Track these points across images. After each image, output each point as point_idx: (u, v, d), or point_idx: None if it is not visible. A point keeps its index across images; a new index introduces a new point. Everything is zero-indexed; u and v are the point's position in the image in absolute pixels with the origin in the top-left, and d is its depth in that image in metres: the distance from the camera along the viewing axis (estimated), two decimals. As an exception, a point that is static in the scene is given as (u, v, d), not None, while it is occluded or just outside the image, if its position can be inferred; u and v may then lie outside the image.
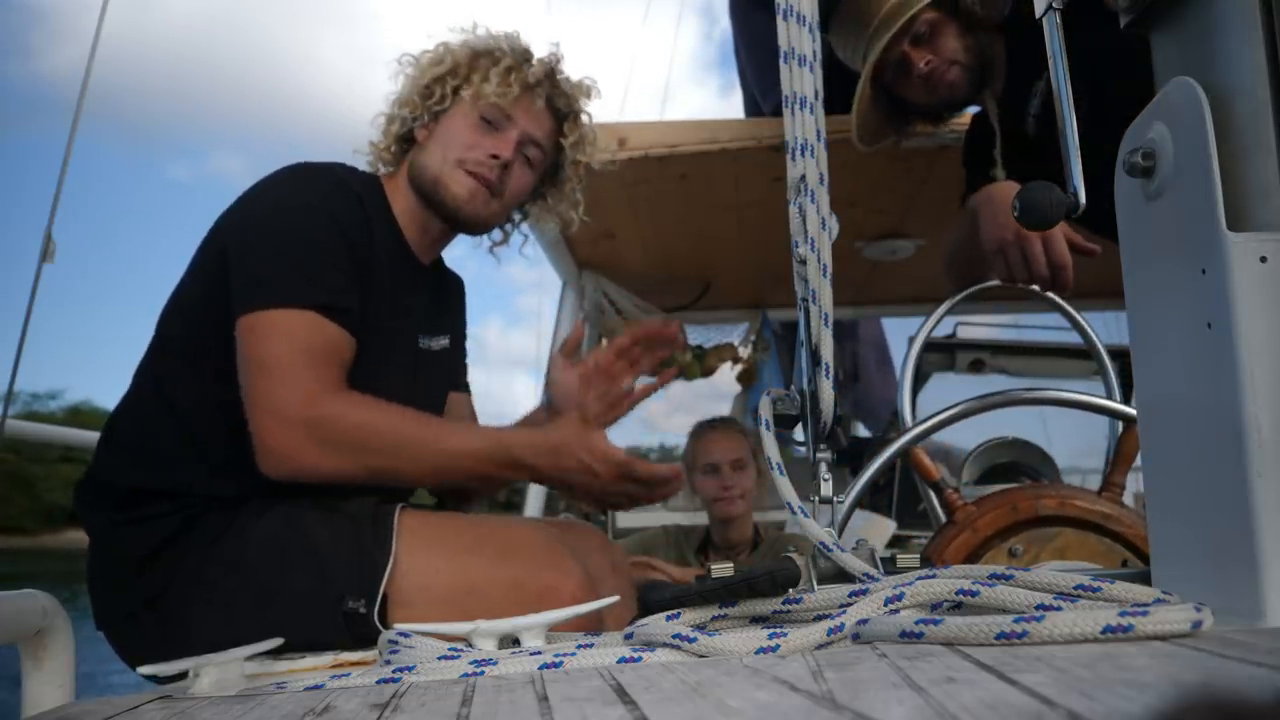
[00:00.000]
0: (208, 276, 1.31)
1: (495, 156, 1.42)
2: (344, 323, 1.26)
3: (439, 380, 1.57)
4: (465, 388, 1.67)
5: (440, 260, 1.58)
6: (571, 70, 1.52)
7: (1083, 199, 0.80)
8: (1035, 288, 1.49)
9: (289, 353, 1.21)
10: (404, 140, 1.50)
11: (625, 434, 4.04)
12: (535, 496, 3.08)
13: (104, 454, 1.33)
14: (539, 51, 1.51)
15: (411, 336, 1.47)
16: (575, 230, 1.65)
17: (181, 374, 1.30)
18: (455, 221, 1.47)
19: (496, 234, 1.64)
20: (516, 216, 1.63)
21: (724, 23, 3.31)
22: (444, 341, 1.55)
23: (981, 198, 1.57)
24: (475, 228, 1.51)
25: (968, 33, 1.64)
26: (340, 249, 1.30)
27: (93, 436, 2.25)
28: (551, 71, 1.49)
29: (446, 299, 1.60)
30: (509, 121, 1.44)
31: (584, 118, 1.54)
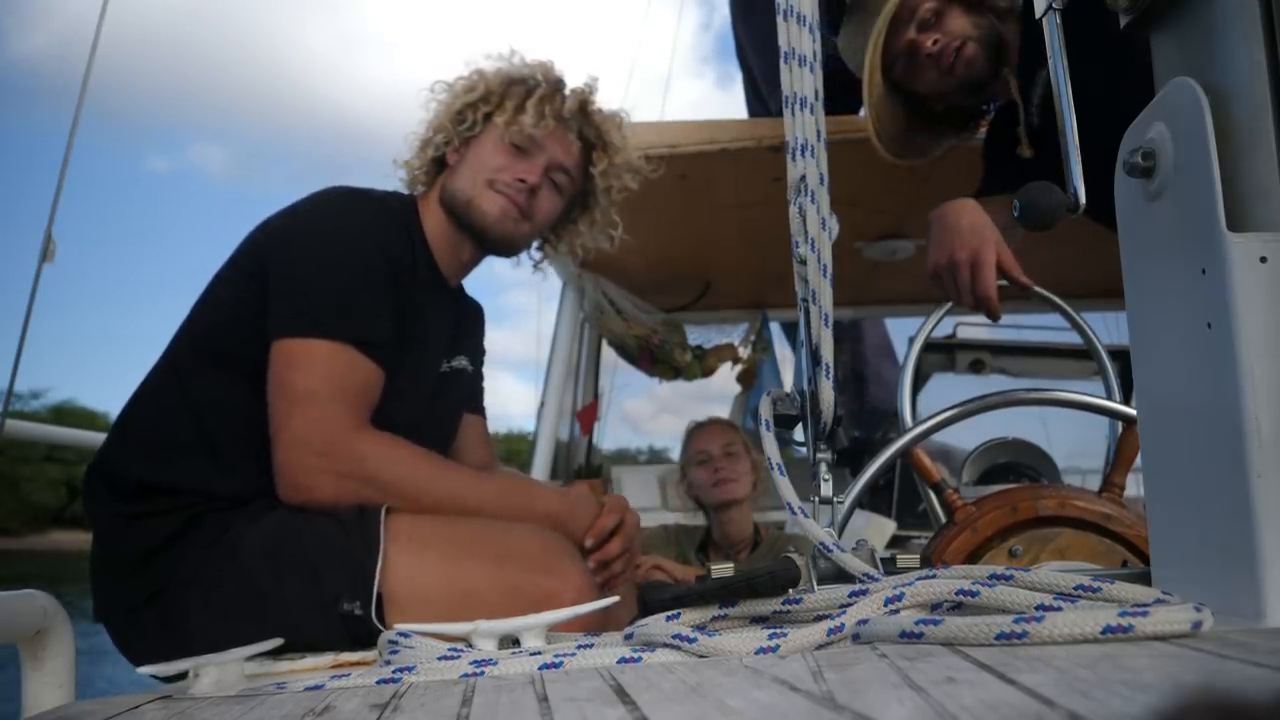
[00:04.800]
0: (244, 285, 1.34)
1: (523, 180, 1.46)
2: (377, 358, 1.29)
3: (456, 401, 1.59)
4: (480, 410, 1.69)
5: (461, 286, 1.60)
6: (572, 63, 1.54)
7: (1083, 199, 0.80)
8: (1037, 289, 1.48)
9: (323, 387, 1.24)
10: (436, 163, 1.54)
11: (613, 437, 4.05)
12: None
13: (115, 443, 1.34)
14: (573, 80, 1.54)
15: (435, 357, 1.49)
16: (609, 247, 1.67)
17: (205, 374, 1.32)
18: (486, 241, 1.50)
19: (535, 254, 1.69)
20: (552, 238, 1.66)
21: (721, 13, 3.33)
22: (463, 362, 1.58)
23: (933, 216, 1.55)
24: (506, 248, 1.55)
25: (974, 12, 1.61)
26: (384, 278, 1.33)
27: (90, 436, 2.26)
28: (584, 103, 1.52)
29: (467, 323, 1.62)
30: (537, 148, 1.48)
31: (616, 146, 1.56)
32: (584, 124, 1.53)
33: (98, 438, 2.11)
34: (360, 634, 1.15)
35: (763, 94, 3.08)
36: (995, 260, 1.44)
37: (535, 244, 1.66)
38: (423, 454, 1.30)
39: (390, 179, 1.57)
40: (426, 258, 1.47)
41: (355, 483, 1.23)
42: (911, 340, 1.53)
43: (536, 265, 1.72)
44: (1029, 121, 1.63)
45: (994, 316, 1.46)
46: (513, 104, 1.47)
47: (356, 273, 1.31)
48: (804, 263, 0.95)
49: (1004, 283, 1.48)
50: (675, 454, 2.93)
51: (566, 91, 1.52)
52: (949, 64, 1.60)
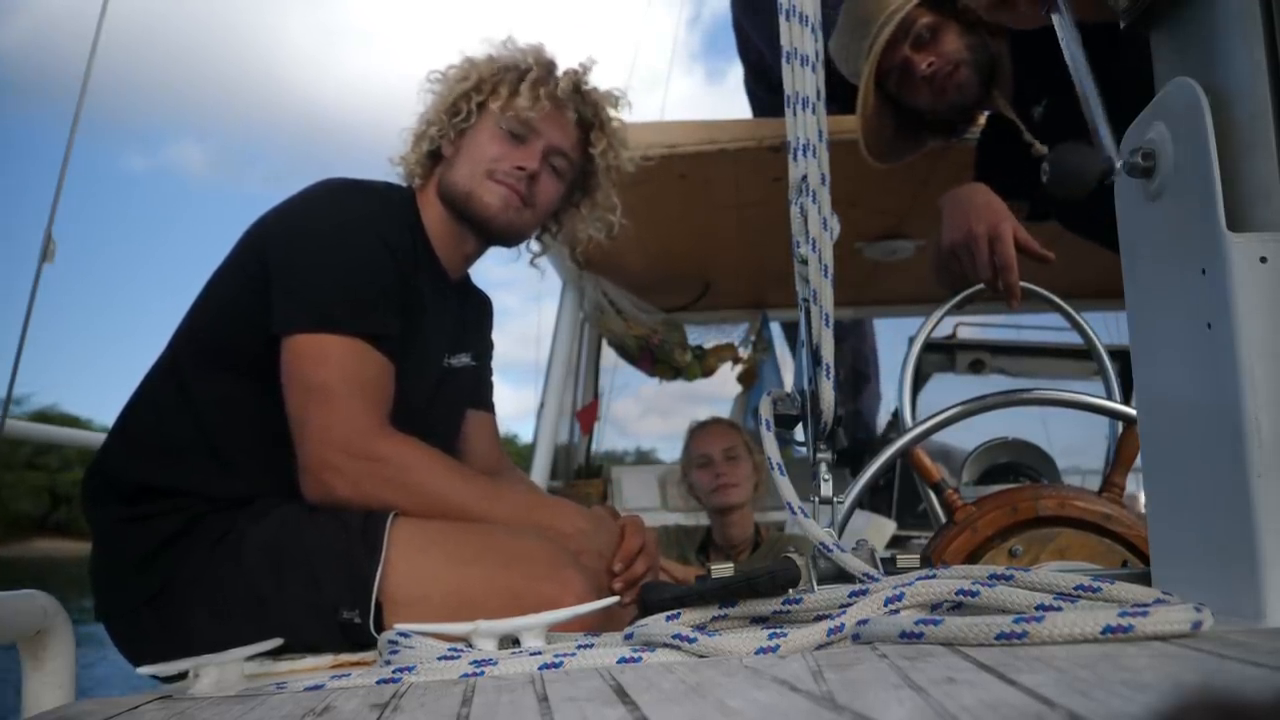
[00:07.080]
0: (244, 282, 1.33)
1: (521, 168, 1.44)
2: (388, 351, 1.28)
3: (459, 397, 1.58)
4: (489, 406, 1.67)
5: (467, 277, 1.59)
6: (566, 61, 1.53)
7: (1118, 163, 0.78)
8: (1037, 289, 1.48)
9: (342, 383, 1.23)
10: (431, 156, 1.52)
11: (601, 439, 4.04)
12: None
13: (115, 445, 1.33)
14: (565, 63, 1.51)
15: (436, 353, 1.48)
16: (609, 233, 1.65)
17: (204, 373, 1.31)
18: (489, 233, 1.49)
19: (535, 245, 1.66)
20: (554, 227, 1.64)
21: (709, 6, 3.31)
22: (467, 359, 1.56)
23: (945, 198, 1.55)
24: (509, 238, 1.53)
25: (969, 32, 1.62)
26: (389, 272, 1.32)
27: (89, 436, 2.25)
28: (578, 84, 1.50)
29: (473, 317, 1.61)
30: (534, 133, 1.46)
31: (612, 124, 1.54)
32: (580, 104, 1.50)
33: (96, 438, 2.11)
34: (358, 640, 1.15)
35: (775, 85, 3.08)
36: (1013, 235, 1.43)
37: (535, 233, 1.63)
38: (446, 461, 1.29)
39: (381, 174, 1.53)
40: (427, 251, 1.45)
41: (377, 484, 1.22)
42: (911, 340, 1.53)
43: (534, 259, 1.69)
44: (1031, 127, 1.63)
45: (1014, 292, 1.44)
46: (506, 90, 1.45)
47: (361, 265, 1.30)
48: (805, 263, 0.95)
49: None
50: (662, 455, 2.94)
51: (559, 74, 1.50)
52: (941, 87, 1.64)
